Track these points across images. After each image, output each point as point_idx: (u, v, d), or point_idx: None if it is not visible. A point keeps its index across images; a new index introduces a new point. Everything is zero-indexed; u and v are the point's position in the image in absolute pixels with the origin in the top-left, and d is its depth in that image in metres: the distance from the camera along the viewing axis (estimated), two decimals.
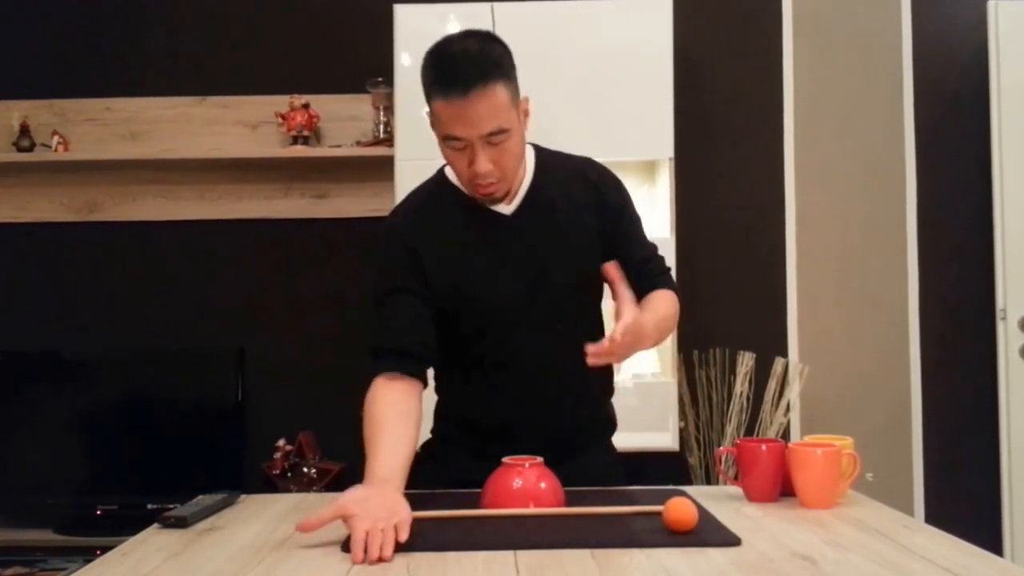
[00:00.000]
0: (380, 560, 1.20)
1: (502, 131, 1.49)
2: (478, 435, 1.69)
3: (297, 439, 3.08)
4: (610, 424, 1.81)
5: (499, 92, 1.48)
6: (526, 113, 1.57)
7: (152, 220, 3.36)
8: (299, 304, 3.34)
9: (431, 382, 1.74)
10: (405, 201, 1.72)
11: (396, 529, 1.25)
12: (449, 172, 1.66)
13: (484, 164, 1.51)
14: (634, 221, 1.72)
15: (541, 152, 1.71)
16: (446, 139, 1.52)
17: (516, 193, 1.64)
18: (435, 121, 1.53)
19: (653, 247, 1.74)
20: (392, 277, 1.63)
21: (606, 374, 1.79)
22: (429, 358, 1.62)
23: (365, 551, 1.21)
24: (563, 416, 1.67)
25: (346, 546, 1.26)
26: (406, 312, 1.60)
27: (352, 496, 1.30)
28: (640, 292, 1.62)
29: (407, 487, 1.42)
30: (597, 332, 1.73)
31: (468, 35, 1.53)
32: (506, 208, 1.64)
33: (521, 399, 1.66)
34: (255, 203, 3.35)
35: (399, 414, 1.51)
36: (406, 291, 1.61)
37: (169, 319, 3.34)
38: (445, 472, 1.70)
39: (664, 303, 1.64)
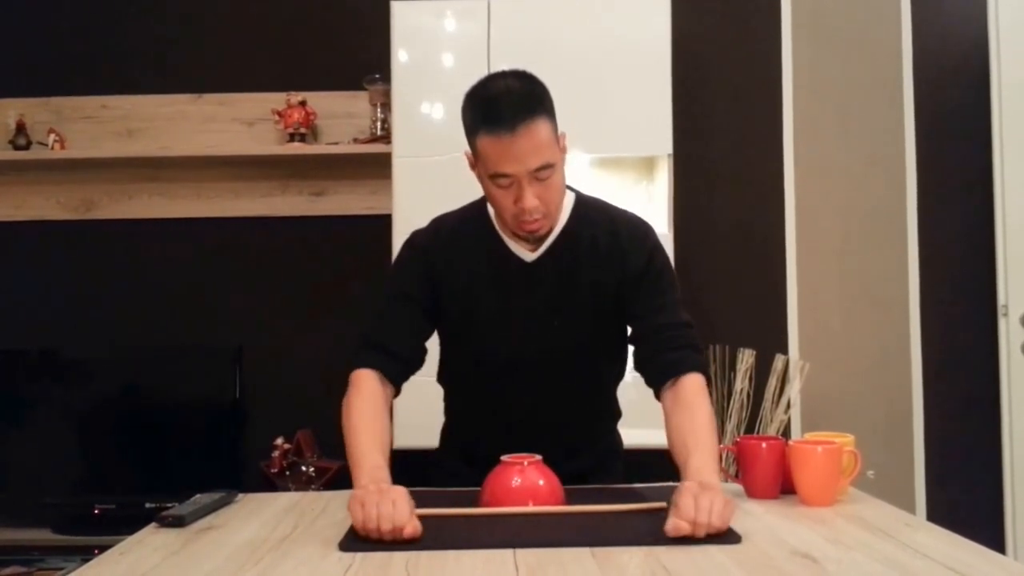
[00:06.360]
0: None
1: (548, 166, 1.50)
2: (481, 461, 1.67)
3: (295, 437, 3.07)
4: (614, 455, 1.83)
5: (543, 128, 1.49)
6: (564, 149, 1.57)
7: (149, 218, 3.34)
8: (297, 302, 3.33)
9: (439, 402, 1.80)
10: (442, 219, 1.72)
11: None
12: (490, 207, 1.65)
13: (531, 200, 1.50)
14: (658, 288, 1.63)
15: (581, 200, 1.69)
16: (493, 177, 1.51)
17: (545, 240, 1.63)
18: (480, 160, 1.53)
19: (681, 317, 1.62)
20: (405, 283, 1.65)
21: (611, 412, 1.81)
22: (412, 370, 1.64)
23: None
24: (566, 456, 1.63)
25: (344, 546, 1.26)
26: (406, 319, 1.63)
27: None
28: (655, 362, 1.57)
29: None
30: (602, 391, 1.76)
31: (507, 75, 1.54)
32: (529, 255, 1.63)
33: (521, 437, 1.63)
34: (252, 201, 3.34)
35: (380, 411, 1.55)
36: (414, 301, 1.64)
37: (166, 317, 3.32)
38: (449, 481, 1.72)
39: (701, 419, 1.49)
